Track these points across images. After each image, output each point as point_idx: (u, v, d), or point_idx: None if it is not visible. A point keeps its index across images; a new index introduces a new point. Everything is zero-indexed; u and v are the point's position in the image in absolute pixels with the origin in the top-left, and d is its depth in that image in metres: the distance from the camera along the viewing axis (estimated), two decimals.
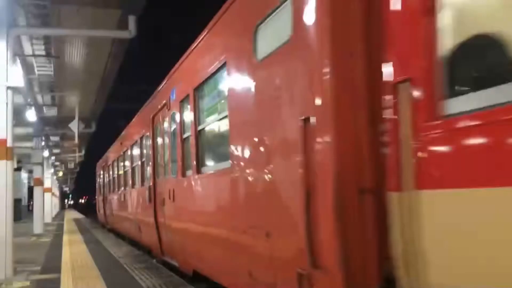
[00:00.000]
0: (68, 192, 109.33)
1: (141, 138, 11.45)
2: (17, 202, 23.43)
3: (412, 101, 2.49)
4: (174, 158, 7.85)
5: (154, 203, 9.28)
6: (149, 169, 10.21)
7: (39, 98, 16.76)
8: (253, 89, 4.33)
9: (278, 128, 3.80)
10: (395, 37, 2.66)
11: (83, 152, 32.17)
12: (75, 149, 28.49)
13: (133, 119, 13.26)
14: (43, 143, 22.14)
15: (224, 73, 5.20)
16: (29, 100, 15.45)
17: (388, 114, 2.68)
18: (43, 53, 11.77)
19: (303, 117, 3.28)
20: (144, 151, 11.23)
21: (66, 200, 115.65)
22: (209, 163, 6.24)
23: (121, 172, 15.95)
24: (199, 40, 6.35)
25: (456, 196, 2.25)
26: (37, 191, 21.86)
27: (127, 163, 14.26)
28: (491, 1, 2.22)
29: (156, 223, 9.09)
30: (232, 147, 4.88)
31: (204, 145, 6.34)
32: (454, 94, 2.33)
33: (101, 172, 23.73)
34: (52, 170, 34.48)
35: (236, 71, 4.80)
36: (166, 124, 8.54)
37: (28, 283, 7.87)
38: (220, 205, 5.48)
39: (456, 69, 2.38)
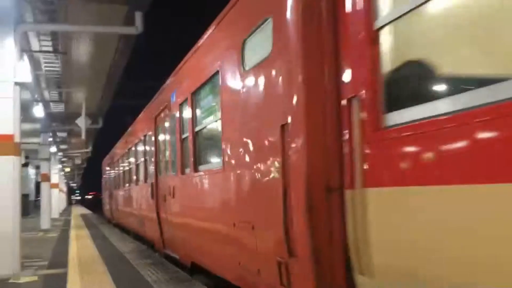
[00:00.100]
0: (75, 188, 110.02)
1: (145, 137, 11.91)
2: (24, 197, 23.59)
3: (361, 114, 3.03)
4: (174, 156, 8.30)
5: (156, 199, 9.68)
6: (151, 167, 10.67)
7: (46, 94, 16.84)
8: (241, 96, 4.83)
9: (261, 132, 4.27)
10: (349, 61, 3.19)
11: (90, 148, 32.30)
12: (82, 145, 28.62)
13: (137, 118, 13.66)
14: (50, 139, 22.26)
15: (217, 80, 5.68)
16: (36, 96, 15.51)
17: (345, 124, 3.20)
18: (50, 49, 11.81)
19: (281, 124, 3.76)
20: (147, 149, 11.64)
21: (73, 196, 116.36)
22: (205, 162, 6.69)
23: (125, 169, 16.35)
24: (196, 48, 6.81)
25: (392, 192, 2.77)
26: (44, 186, 22.00)
27: (132, 160, 14.66)
28: (421, 35, 2.78)
29: (158, 218, 9.47)
30: (224, 148, 5.36)
31: (201, 145, 6.84)
32: (391, 109, 2.83)
33: (107, 169, 24.02)
34: (59, 166, 34.66)
35: (227, 79, 5.30)
36: (167, 125, 9.08)
37: (35, 277, 7.92)
38: (214, 202, 5.91)
39: (392, 89, 2.89)
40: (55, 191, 28.79)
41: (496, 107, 2.06)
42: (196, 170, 6.77)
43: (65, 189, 58.45)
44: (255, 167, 4.45)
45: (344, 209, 3.23)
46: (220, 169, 5.48)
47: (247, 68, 4.69)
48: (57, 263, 9.54)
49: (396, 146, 2.73)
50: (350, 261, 3.21)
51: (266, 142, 4.15)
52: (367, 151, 2.97)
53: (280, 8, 3.82)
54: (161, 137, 9.76)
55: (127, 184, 15.84)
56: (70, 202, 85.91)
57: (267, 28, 4.14)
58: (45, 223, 20.52)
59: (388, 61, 2.91)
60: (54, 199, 27.77)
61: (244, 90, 4.74)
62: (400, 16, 2.72)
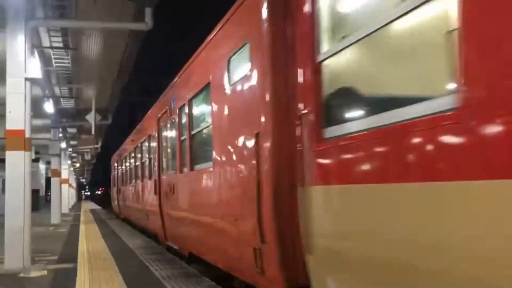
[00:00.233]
0: (84, 183, 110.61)
1: (149, 137, 12.75)
2: (35, 192, 23.78)
3: (308, 127, 3.81)
4: (174, 156, 9.05)
5: (159, 195, 10.45)
6: (155, 165, 11.44)
7: (57, 90, 16.91)
8: (227, 105, 5.62)
9: (242, 138, 5.04)
10: (301, 85, 3.95)
11: (99, 143, 32.43)
12: (91, 141, 28.75)
13: (143, 118, 14.47)
14: (60, 135, 22.39)
15: (208, 90, 6.43)
16: (47, 92, 15.60)
17: (299, 134, 3.97)
18: (61, 45, 11.85)
19: (255, 132, 4.53)
20: (151, 149, 12.46)
21: (82, 191, 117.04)
22: (200, 162, 7.36)
23: (132, 166, 17.15)
24: (193, 59, 7.49)
25: (328, 189, 3.57)
26: (54, 182, 22.17)
27: (138, 158, 15.46)
28: (350, 67, 3.75)
29: (160, 213, 10.23)
30: (213, 150, 6.10)
31: (196, 147, 7.63)
32: (328, 125, 3.63)
33: (115, 166, 24.46)
34: (69, 162, 34.87)
35: (216, 90, 6.04)
36: (168, 127, 9.95)
37: (45, 272, 7.99)
38: (206, 197, 6.62)
39: (329, 109, 3.70)
40: (65, 187, 28.99)
41: (391, 128, 2.85)
42: (192, 169, 7.54)
43: (74, 184, 58.81)
44: (237, 167, 5.22)
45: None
46: (210, 169, 6.27)
47: (232, 82, 5.45)
48: (67, 257, 9.62)
49: (330, 153, 3.54)
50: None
51: (246, 147, 4.91)
52: (312, 156, 3.77)
53: (254, 36, 4.65)
54: (163, 138, 10.63)
55: (133, 181, 16.55)
56: (80, 198, 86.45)
57: (246, 51, 4.91)
58: (55, 218, 20.69)
59: (327, 87, 3.71)
60: (64, 195, 27.97)
61: (229, 100, 5.54)
62: (335, 53, 3.53)
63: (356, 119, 3.40)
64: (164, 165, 10.36)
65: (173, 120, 9.20)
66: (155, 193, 10.90)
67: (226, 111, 5.64)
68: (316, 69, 3.71)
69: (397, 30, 3.05)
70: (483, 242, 2.20)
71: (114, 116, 22.19)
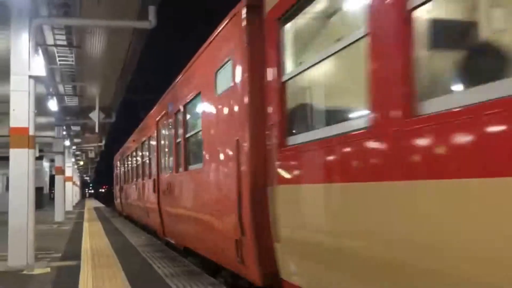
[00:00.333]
0: (88, 181, 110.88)
1: (149, 138, 13.36)
2: (39, 190, 23.85)
3: (275, 136, 4.52)
4: (171, 157, 9.78)
5: (158, 193, 11.02)
6: (154, 165, 12.00)
7: (61, 88, 16.94)
8: (214, 113, 6.33)
9: (226, 142, 5.70)
10: (270, 100, 4.66)
11: (103, 142, 32.48)
12: (95, 139, 28.81)
13: (144, 119, 14.96)
14: (64, 133, 22.45)
15: (199, 98, 7.17)
16: (51, 89, 15.64)
17: (270, 142, 4.67)
18: (65, 43, 11.87)
19: (236, 138, 5.23)
20: (151, 149, 13.07)
21: (86, 189, 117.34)
22: (192, 163, 8.02)
23: (133, 165, 17.66)
24: (188, 67, 8.13)
25: (288, 188, 4.34)
26: (58, 179, 22.22)
27: (138, 158, 16.01)
28: (308, 86, 4.62)
29: (159, 210, 10.78)
30: (203, 153, 6.80)
31: (190, 149, 8.32)
32: (290, 134, 4.39)
33: (118, 165, 24.68)
34: (73, 159, 34.96)
35: (205, 100, 6.80)
36: (166, 129, 10.60)
37: (48, 269, 8.02)
38: (198, 195, 7.30)
39: (291, 121, 4.49)
40: (68, 184, 29.07)
41: (336, 139, 3.53)
42: (186, 169, 8.23)
43: (78, 182, 58.94)
44: (222, 168, 5.93)
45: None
46: (200, 169, 7.00)
47: (218, 92, 6.11)
48: (70, 255, 9.65)
49: (292, 158, 4.27)
50: None
51: (228, 151, 5.60)
52: (278, 160, 4.49)
53: (236, 54, 5.32)
54: (162, 139, 11.23)
55: (134, 180, 16.99)
56: (84, 196, 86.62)
57: (229, 66, 5.58)
58: (59, 216, 20.74)
59: (289, 103, 4.46)
60: (68, 192, 28.04)
61: (216, 109, 6.23)
62: (295, 75, 4.29)
63: (309, 130, 4.23)
64: (162, 165, 10.93)
65: (170, 124, 9.92)
66: (154, 191, 11.45)
67: (213, 119, 6.36)
68: (281, 87, 4.43)
69: (335, 61, 3.95)
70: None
71: (118, 114, 22.21)
